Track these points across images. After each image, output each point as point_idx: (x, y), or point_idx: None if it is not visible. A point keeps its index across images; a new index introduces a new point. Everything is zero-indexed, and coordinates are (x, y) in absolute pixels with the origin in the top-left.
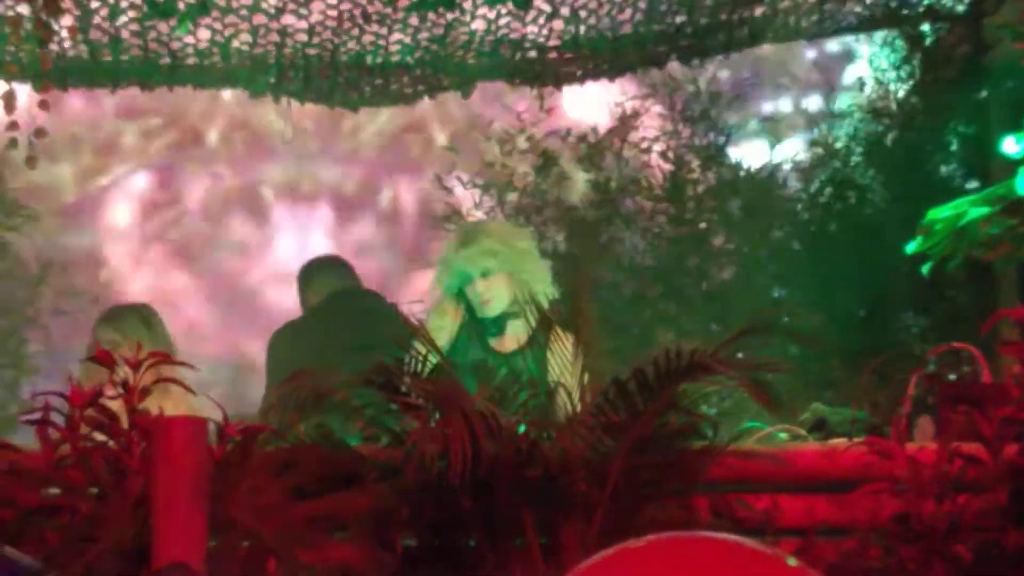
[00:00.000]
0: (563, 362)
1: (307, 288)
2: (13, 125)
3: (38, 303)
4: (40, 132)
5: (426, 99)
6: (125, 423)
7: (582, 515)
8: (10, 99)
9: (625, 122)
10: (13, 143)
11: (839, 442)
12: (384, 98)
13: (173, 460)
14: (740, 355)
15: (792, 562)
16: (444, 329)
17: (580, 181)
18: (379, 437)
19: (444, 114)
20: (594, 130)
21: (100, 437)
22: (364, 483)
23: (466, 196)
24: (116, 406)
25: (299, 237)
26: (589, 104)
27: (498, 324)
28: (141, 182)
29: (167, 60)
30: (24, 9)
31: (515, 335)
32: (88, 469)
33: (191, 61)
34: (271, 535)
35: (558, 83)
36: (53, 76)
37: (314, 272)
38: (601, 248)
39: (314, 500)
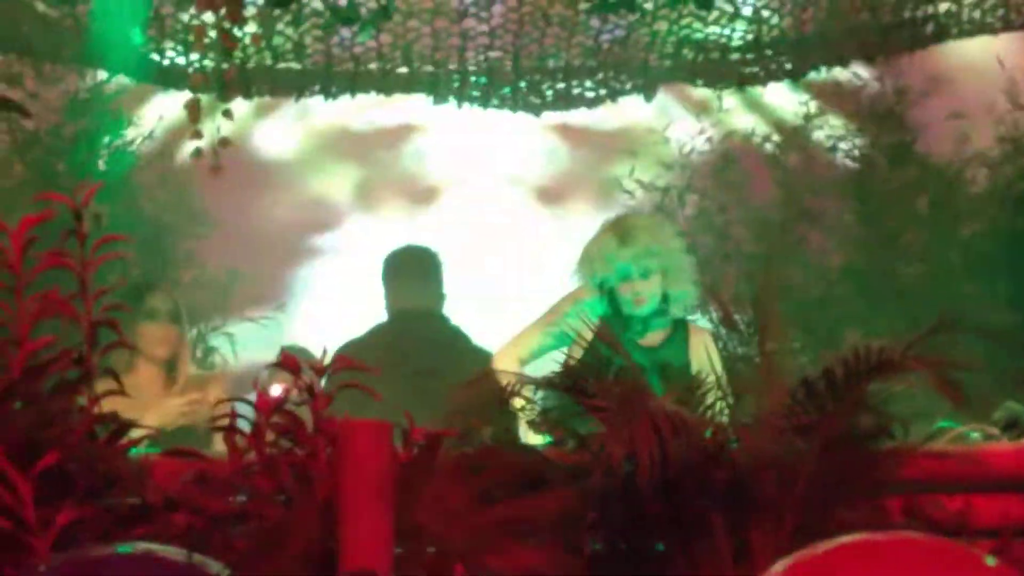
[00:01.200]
0: (705, 355)
1: (387, 286)
2: (197, 134)
3: (225, 310)
4: (225, 141)
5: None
6: (310, 428)
7: (772, 517)
8: (195, 108)
9: (810, 121)
10: (197, 152)
11: None
12: (566, 102)
13: (359, 465)
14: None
15: (991, 561)
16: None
17: (765, 181)
18: (566, 441)
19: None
20: (779, 130)
21: (286, 443)
22: (551, 487)
23: (645, 199)
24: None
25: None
26: (774, 104)
27: (644, 321)
28: None
29: (350, 66)
30: (208, 18)
31: (658, 331)
32: (275, 475)
33: (373, 66)
34: (458, 540)
35: (741, 84)
36: (236, 85)
37: (398, 274)
38: (789, 249)
39: (501, 505)
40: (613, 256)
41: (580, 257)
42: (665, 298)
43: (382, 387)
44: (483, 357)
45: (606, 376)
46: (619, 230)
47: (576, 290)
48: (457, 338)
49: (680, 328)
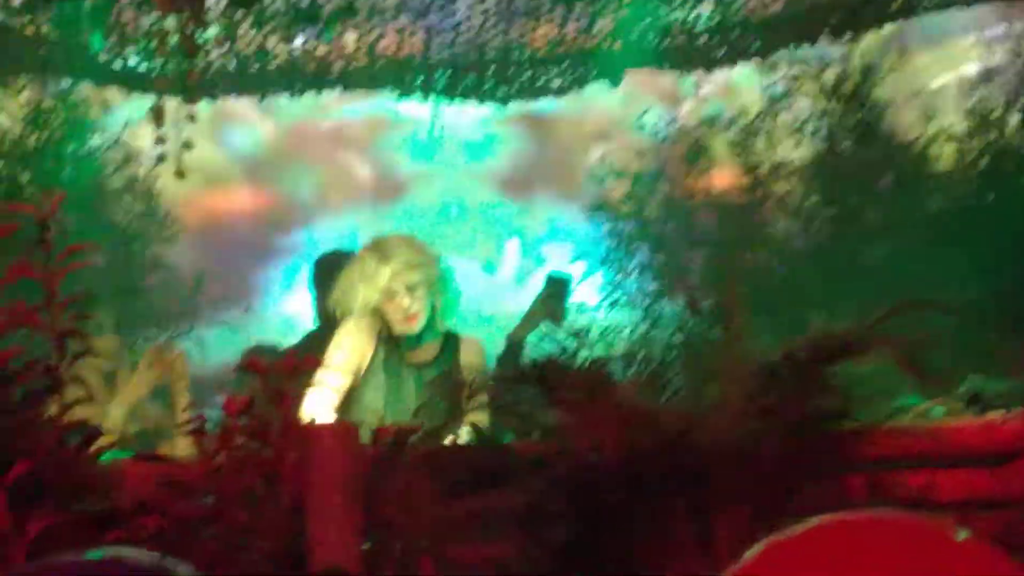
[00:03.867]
0: (477, 363)
1: (317, 291)
2: (161, 140)
3: (193, 314)
4: (188, 144)
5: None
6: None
7: (736, 502)
8: (159, 114)
9: (776, 103)
10: (162, 157)
11: (996, 415)
12: (533, 92)
13: (325, 466)
14: (893, 332)
15: (963, 535)
16: (360, 349)
17: (731, 166)
18: (531, 432)
19: (592, 104)
20: (744, 113)
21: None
22: (517, 479)
23: (616, 187)
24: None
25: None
26: (739, 86)
27: (417, 337)
28: None
29: (313, 65)
30: (170, 22)
31: (430, 346)
32: (242, 478)
33: (338, 65)
34: (424, 534)
35: (708, 66)
36: (201, 88)
37: (328, 279)
38: (754, 232)
39: (467, 498)
40: (374, 274)
41: (340, 288)
42: (433, 311)
43: None
44: None
45: (571, 368)
46: (376, 250)
47: (346, 326)
48: None
49: (450, 341)
